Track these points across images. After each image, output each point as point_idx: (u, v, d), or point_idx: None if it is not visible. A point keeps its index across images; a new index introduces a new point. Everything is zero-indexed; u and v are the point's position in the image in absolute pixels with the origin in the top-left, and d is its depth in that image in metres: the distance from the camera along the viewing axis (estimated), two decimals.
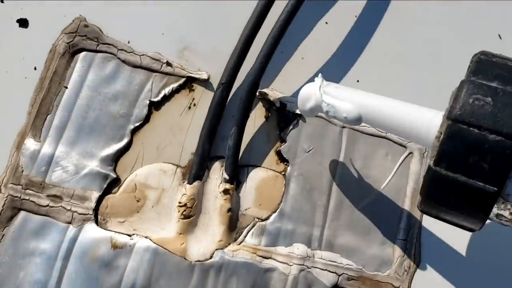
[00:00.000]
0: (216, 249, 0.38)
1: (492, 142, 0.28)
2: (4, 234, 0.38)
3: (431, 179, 0.30)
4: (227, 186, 0.39)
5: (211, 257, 0.38)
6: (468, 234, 0.41)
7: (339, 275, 0.39)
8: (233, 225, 0.39)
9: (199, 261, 0.37)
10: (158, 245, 0.37)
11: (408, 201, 0.42)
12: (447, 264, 0.41)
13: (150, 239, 0.38)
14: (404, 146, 0.42)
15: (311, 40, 0.44)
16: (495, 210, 0.30)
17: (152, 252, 0.37)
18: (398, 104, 0.33)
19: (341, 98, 0.33)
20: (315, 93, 0.34)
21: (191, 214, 0.38)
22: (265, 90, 0.42)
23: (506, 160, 0.28)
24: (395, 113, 0.32)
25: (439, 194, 0.31)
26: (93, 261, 0.37)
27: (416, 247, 0.41)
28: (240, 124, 0.40)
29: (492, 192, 0.28)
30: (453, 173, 0.29)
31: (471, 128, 0.28)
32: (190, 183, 0.39)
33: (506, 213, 0.30)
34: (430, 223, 0.41)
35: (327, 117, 0.39)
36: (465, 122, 0.28)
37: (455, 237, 0.41)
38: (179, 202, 0.38)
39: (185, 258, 0.37)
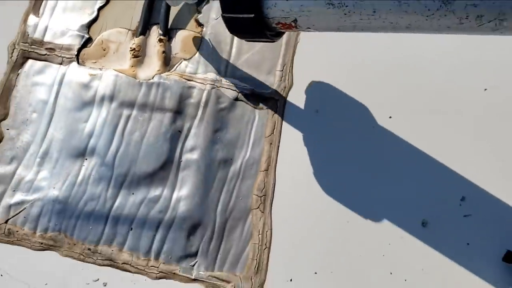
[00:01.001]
0: (155, 75, 0.59)
1: None
2: (19, 73, 0.58)
3: (226, 22, 0.44)
4: (161, 37, 0.60)
5: (152, 78, 0.59)
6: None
7: (238, 92, 0.60)
8: (167, 62, 0.60)
9: (144, 80, 0.59)
10: (118, 71, 0.59)
11: (283, 49, 0.63)
12: (316, 89, 0.62)
13: (113, 69, 0.59)
14: None
15: None
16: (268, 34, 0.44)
17: (114, 75, 0.58)
18: None
19: None
20: None
21: (138, 55, 0.59)
22: None
23: None
24: None
25: (235, 29, 0.45)
26: (76, 84, 0.58)
27: (288, 76, 0.62)
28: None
29: (253, 18, 0.42)
30: (232, 14, 0.43)
31: None
32: (137, 36, 0.60)
33: (276, 27, 0.43)
34: (298, 62, 0.63)
35: None
36: None
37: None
38: (131, 48, 0.60)
39: (135, 78, 0.59)
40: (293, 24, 0.43)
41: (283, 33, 0.48)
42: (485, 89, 0.60)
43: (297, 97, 0.60)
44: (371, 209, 0.57)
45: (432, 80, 0.60)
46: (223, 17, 0.45)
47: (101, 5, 0.60)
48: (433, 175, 0.57)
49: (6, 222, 0.52)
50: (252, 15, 0.42)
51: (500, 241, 0.55)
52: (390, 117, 0.59)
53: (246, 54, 0.61)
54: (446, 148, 0.58)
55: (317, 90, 0.61)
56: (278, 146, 0.58)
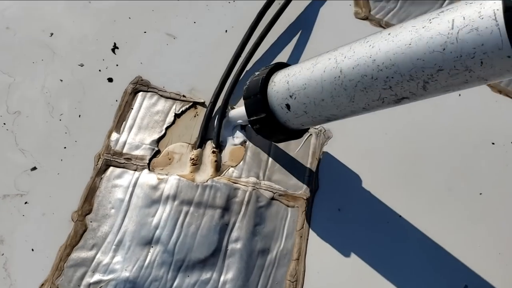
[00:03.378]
0: (209, 179, 0.74)
1: None
2: (102, 177, 0.74)
3: (251, 125, 0.62)
4: (214, 149, 0.76)
5: (206, 181, 0.74)
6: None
7: (274, 193, 0.75)
8: (218, 169, 0.76)
9: (200, 183, 0.74)
10: (180, 176, 0.74)
11: (311, 158, 0.78)
12: (337, 191, 0.76)
13: (176, 175, 0.74)
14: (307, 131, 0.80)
15: None
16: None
17: (177, 179, 0.73)
18: None
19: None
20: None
21: (196, 163, 0.75)
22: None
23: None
24: None
25: (258, 131, 0.62)
26: (147, 186, 0.73)
27: (314, 180, 0.76)
28: (219, 122, 0.78)
29: (265, 117, 0.57)
30: (253, 117, 0.60)
31: None
32: (195, 149, 0.76)
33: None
34: (322, 168, 0.77)
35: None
36: None
37: (344, 178, 0.77)
38: (190, 158, 0.76)
39: (193, 182, 0.74)
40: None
41: (305, 130, 0.64)
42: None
43: (322, 198, 0.74)
44: None
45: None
46: (249, 121, 0.59)
47: (168, 125, 0.77)
48: (437, 264, 0.68)
49: None
50: (264, 115, 0.56)
51: None
52: (400, 216, 0.72)
53: (280, 162, 0.76)
54: (450, 240, 0.69)
55: (339, 192, 0.74)
56: (307, 239, 0.71)
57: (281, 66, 0.58)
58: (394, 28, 0.40)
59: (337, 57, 0.45)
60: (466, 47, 0.34)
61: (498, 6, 0.32)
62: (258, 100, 0.55)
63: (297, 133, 0.62)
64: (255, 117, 0.57)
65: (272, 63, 0.59)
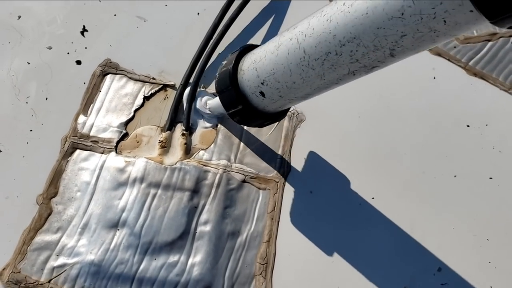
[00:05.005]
0: (178, 161, 0.73)
1: None
2: (68, 160, 0.73)
3: (231, 117, 0.59)
4: (184, 132, 0.75)
5: (175, 164, 0.72)
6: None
7: (245, 175, 0.73)
8: (188, 151, 0.74)
9: (169, 166, 0.72)
10: (148, 159, 0.72)
11: (283, 141, 0.77)
12: (309, 173, 0.75)
13: (144, 157, 0.73)
14: None
15: None
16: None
17: (145, 162, 0.72)
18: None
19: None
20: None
21: (165, 146, 0.74)
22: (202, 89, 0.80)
23: None
24: None
25: (239, 121, 0.59)
26: (114, 169, 0.71)
27: (286, 163, 0.75)
28: (189, 105, 0.76)
29: (242, 108, 0.55)
30: (231, 110, 0.57)
31: None
32: (164, 131, 0.75)
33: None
34: (295, 151, 0.76)
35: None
36: None
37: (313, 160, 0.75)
38: (159, 140, 0.74)
39: (161, 164, 0.72)
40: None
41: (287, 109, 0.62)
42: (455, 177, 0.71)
43: (294, 181, 0.72)
44: (358, 276, 0.66)
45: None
46: (228, 114, 0.58)
47: (137, 107, 0.75)
48: (410, 247, 0.68)
49: (49, 281, 0.63)
50: (241, 106, 0.54)
51: None
52: (373, 198, 0.71)
53: (251, 145, 0.74)
54: (424, 225, 0.68)
55: (311, 174, 0.73)
56: (278, 221, 0.70)
57: (248, 49, 0.55)
58: None
59: (298, 37, 0.44)
60: (425, 8, 0.32)
61: None
62: (231, 93, 0.53)
63: (280, 114, 0.60)
64: (233, 110, 0.55)
65: (237, 49, 0.56)
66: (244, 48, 0.55)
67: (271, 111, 0.55)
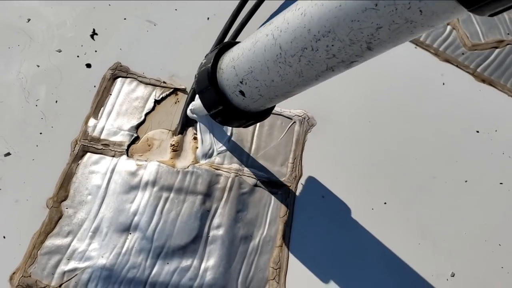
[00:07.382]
0: (190, 165, 0.72)
1: None
2: (79, 164, 0.72)
3: (213, 118, 0.56)
4: (195, 135, 0.74)
5: (187, 168, 0.72)
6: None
7: (257, 179, 0.73)
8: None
9: (181, 169, 0.72)
10: (160, 162, 0.72)
11: (294, 145, 0.77)
12: (321, 177, 0.75)
13: (156, 161, 0.72)
14: (290, 118, 0.79)
15: None
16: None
17: (157, 165, 0.71)
18: None
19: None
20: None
21: (177, 149, 0.73)
22: None
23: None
24: None
25: (222, 122, 0.56)
26: (125, 172, 0.71)
27: (299, 167, 0.75)
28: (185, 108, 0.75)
29: (223, 109, 0.52)
30: (212, 111, 0.54)
31: None
32: (176, 135, 0.74)
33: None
34: (306, 155, 0.76)
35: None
36: None
37: (325, 160, 0.75)
38: (171, 144, 0.73)
39: (173, 168, 0.72)
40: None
41: (271, 108, 0.57)
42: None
43: (306, 185, 0.72)
44: (371, 280, 0.66)
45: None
46: (210, 115, 0.55)
47: (148, 111, 0.75)
48: (424, 252, 0.67)
49: (60, 286, 0.62)
50: (221, 107, 0.52)
51: None
52: (385, 203, 0.70)
53: (263, 149, 0.74)
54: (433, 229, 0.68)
55: (323, 179, 0.73)
56: (291, 226, 0.69)
57: (228, 46, 0.53)
58: None
59: (273, 32, 0.42)
60: None
61: None
62: (211, 93, 0.51)
63: (264, 114, 0.56)
64: (214, 111, 0.53)
65: (217, 46, 0.53)
66: (223, 46, 0.52)
67: (253, 111, 0.53)
